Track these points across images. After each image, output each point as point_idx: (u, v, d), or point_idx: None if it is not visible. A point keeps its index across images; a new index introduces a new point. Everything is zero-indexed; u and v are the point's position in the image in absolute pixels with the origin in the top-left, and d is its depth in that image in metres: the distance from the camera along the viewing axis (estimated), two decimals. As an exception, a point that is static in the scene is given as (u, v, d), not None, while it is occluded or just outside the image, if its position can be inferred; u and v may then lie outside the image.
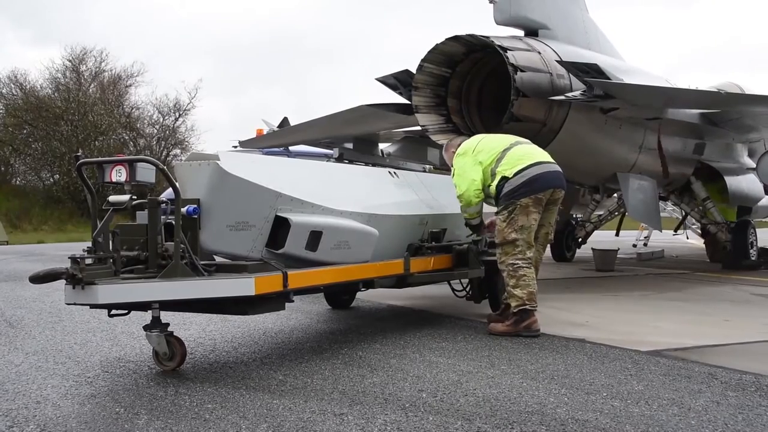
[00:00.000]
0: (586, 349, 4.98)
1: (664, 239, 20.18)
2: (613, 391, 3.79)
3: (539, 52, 8.23)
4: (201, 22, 78.85)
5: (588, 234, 13.88)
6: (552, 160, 5.84)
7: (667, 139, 10.14)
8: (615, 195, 13.52)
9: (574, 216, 14.93)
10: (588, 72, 7.89)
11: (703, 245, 14.86)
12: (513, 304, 5.46)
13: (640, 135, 9.76)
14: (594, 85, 7.92)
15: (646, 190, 10.00)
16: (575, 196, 13.25)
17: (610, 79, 7.93)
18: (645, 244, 19.93)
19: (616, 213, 15.16)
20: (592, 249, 12.53)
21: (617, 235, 16.28)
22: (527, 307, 5.43)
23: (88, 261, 3.82)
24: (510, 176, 5.58)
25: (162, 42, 68.64)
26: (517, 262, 5.51)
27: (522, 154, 5.73)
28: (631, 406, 3.52)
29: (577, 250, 14.49)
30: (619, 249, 13.02)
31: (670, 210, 18.72)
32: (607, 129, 9.12)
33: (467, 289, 6.57)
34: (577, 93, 8.14)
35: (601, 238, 17.38)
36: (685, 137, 10.79)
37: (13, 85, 32.68)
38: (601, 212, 14.78)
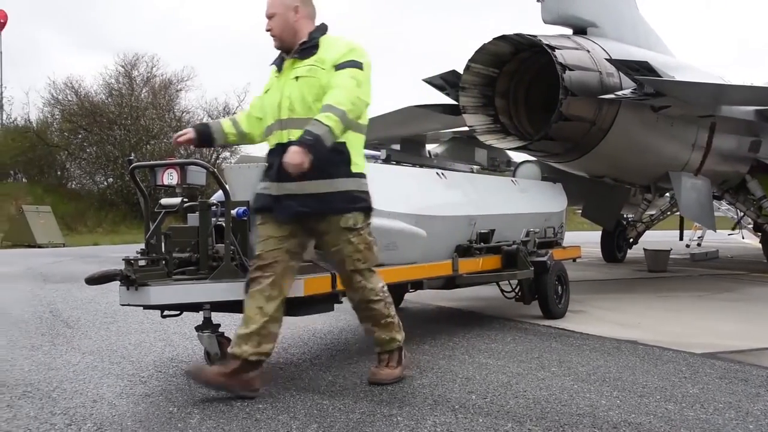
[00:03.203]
0: (638, 350, 4.91)
1: (718, 239, 19.74)
2: (666, 394, 3.72)
3: (588, 51, 8.14)
4: (244, 28, 79.74)
5: (639, 234, 13.66)
6: None
7: (721, 136, 9.92)
8: (667, 194, 13.28)
9: (625, 216, 14.71)
10: (638, 70, 7.77)
11: (760, 245, 14.50)
12: (399, 338, 4.05)
13: (692, 133, 9.55)
14: (644, 83, 7.79)
15: (700, 189, 9.79)
16: (626, 196, 13.06)
17: (660, 76, 7.79)
18: (699, 245, 19.55)
19: (669, 213, 14.89)
20: (644, 249, 12.35)
21: (681, 225, 16.03)
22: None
23: (142, 263, 3.90)
24: (360, 174, 3.92)
25: (207, 48, 69.63)
26: (385, 284, 4.07)
27: None
28: (686, 409, 3.45)
29: (629, 251, 14.27)
30: (671, 249, 12.80)
31: (724, 209, 18.31)
32: (659, 127, 8.96)
33: (516, 291, 6.52)
34: (627, 91, 8.02)
35: (655, 239, 17.08)
36: (739, 135, 10.52)
37: (69, 91, 33.47)
38: (653, 212, 14.52)
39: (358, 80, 3.71)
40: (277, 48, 3.94)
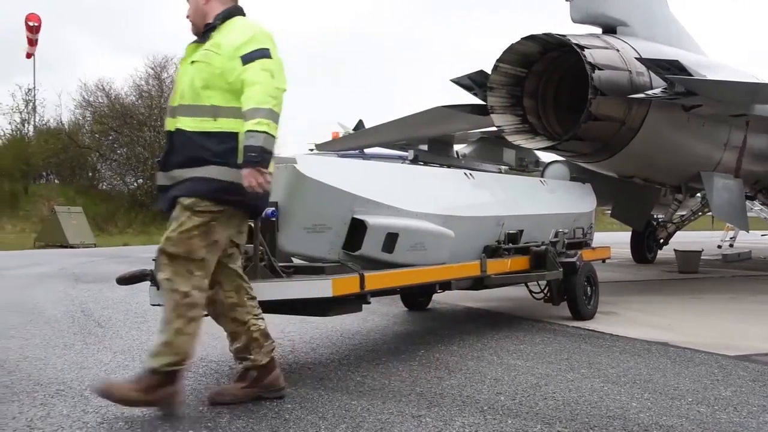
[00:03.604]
0: (669, 352, 4.85)
1: (752, 240, 19.45)
2: (698, 397, 3.68)
3: (618, 50, 8.07)
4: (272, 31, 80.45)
5: (670, 235, 13.52)
6: None
7: (755, 136, 9.78)
8: (698, 195, 13.13)
9: (655, 216, 14.57)
10: (669, 69, 7.70)
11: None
12: (167, 361, 3.42)
13: (724, 132, 9.43)
14: (675, 82, 7.71)
15: (732, 189, 9.67)
16: (656, 196, 12.94)
17: (692, 75, 7.71)
18: (731, 245, 19.29)
19: (700, 213, 14.72)
20: (675, 250, 12.22)
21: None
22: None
23: (172, 263, 3.92)
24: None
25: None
26: (194, 293, 3.49)
27: None
28: (719, 412, 3.41)
29: (659, 252, 14.13)
30: (703, 250, 12.65)
31: (757, 210, 18.06)
32: (690, 127, 8.85)
33: (545, 291, 6.48)
34: (657, 90, 7.94)
35: (686, 239, 16.89)
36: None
37: (99, 93, 33.92)
38: (684, 212, 14.37)
39: (270, 71, 3.41)
40: (194, 34, 3.72)
